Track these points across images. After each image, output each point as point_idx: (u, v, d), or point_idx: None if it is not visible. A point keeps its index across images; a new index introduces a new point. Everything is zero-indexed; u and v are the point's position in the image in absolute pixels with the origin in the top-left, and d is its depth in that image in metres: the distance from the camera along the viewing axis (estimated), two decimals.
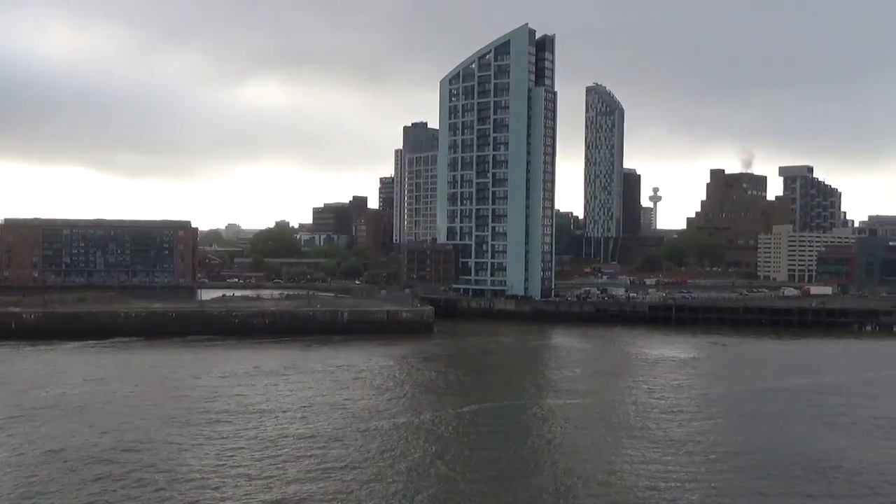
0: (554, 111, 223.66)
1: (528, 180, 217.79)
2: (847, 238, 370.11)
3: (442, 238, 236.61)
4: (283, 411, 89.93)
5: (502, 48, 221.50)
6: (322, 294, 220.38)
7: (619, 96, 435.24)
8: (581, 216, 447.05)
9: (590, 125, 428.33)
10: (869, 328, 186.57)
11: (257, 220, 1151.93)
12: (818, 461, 72.84)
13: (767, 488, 65.35)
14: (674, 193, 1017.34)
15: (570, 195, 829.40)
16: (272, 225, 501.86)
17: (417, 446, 76.92)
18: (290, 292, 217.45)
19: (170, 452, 72.09)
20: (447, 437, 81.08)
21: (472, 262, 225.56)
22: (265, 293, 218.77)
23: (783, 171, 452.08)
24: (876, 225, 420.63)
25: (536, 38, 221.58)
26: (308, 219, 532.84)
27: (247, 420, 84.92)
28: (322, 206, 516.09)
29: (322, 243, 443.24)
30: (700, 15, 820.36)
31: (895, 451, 77.25)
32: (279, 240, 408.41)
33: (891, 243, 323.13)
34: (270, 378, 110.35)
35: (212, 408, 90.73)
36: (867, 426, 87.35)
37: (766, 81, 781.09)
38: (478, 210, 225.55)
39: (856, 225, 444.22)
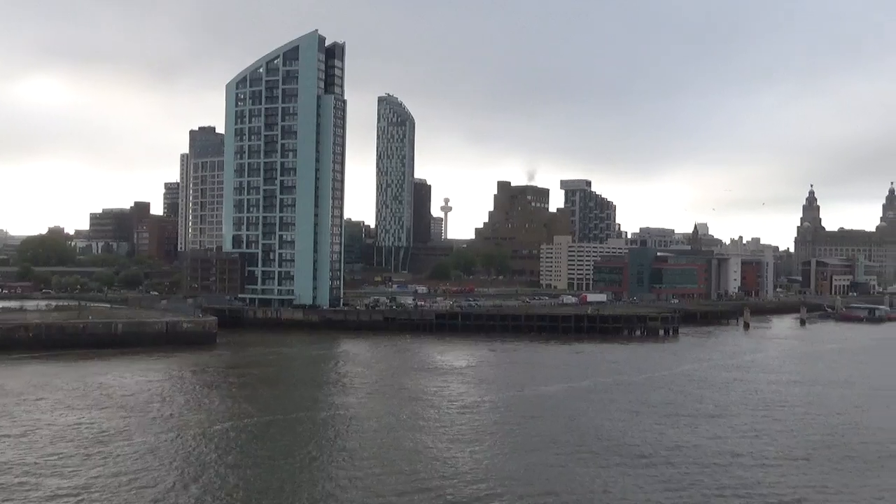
0: (344, 119, 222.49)
1: (317, 188, 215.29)
2: (620, 248, 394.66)
3: (227, 246, 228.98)
4: (3, 437, 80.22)
5: (291, 54, 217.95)
6: (97, 305, 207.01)
7: (412, 107, 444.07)
8: (373, 225, 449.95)
9: (381, 135, 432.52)
10: (638, 332, 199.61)
11: (27, 225, 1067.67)
12: (596, 443, 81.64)
13: (546, 468, 72.82)
14: (465, 203, 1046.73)
15: (362, 204, 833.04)
16: (44, 231, 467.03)
17: (168, 469, 70.82)
18: (61, 303, 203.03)
19: None
20: (206, 457, 75.75)
21: (258, 270, 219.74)
22: (31, 304, 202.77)
23: (564, 184, 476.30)
24: (646, 236, 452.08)
25: (326, 45, 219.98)
26: (85, 225, 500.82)
27: None
28: (101, 211, 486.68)
29: (100, 251, 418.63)
30: (492, 29, 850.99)
31: (647, 432, 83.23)
32: (51, 247, 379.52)
33: (658, 253, 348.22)
34: (7, 399, 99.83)
35: None
36: (627, 414, 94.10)
37: (550, 96, 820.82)
38: (265, 218, 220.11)
39: (629, 236, 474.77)
